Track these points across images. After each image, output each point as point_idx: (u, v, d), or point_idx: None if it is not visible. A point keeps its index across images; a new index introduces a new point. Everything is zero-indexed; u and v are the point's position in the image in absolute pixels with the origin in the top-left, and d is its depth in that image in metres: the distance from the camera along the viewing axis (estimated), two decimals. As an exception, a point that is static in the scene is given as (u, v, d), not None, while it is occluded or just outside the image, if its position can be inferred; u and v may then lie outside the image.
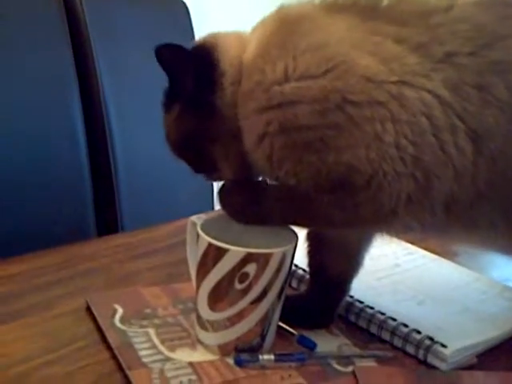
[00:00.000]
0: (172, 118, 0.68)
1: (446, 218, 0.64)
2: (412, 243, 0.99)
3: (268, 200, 0.66)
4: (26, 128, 1.23)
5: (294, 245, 0.66)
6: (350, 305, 0.76)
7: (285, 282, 0.66)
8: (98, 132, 1.36)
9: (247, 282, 0.63)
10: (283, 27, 0.64)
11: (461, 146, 0.60)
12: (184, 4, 1.59)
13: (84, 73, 1.35)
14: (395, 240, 0.97)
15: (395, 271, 0.89)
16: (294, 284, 0.83)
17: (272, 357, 0.65)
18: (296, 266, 0.83)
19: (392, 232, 0.70)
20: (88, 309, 0.74)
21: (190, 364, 0.65)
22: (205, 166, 0.70)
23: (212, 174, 0.71)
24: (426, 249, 0.98)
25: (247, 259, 0.63)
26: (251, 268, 0.63)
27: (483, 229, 0.67)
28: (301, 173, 0.62)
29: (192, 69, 0.66)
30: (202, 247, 0.65)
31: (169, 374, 0.62)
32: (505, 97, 0.60)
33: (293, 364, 0.66)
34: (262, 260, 0.63)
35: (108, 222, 1.39)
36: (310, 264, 0.77)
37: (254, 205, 0.67)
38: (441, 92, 0.59)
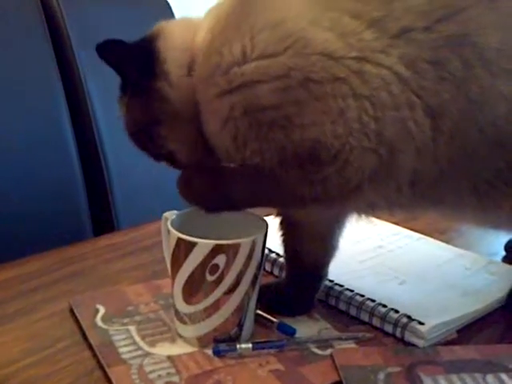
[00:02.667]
0: (124, 109, 0.70)
1: (411, 195, 0.64)
2: (397, 224, 0.99)
3: (234, 182, 0.66)
4: (17, 132, 1.24)
5: (263, 233, 0.67)
6: (330, 289, 0.77)
7: (258, 269, 0.67)
8: (87, 134, 1.38)
9: (218, 273, 0.64)
10: (239, 7, 0.64)
11: (420, 123, 0.60)
12: (167, 4, 1.59)
13: (68, 76, 1.36)
14: (379, 221, 0.98)
15: (378, 253, 0.89)
16: (276, 272, 0.84)
17: (250, 345, 0.66)
18: (270, 250, 0.84)
19: (359, 210, 0.69)
20: (71, 311, 0.75)
21: (169, 358, 0.65)
22: (161, 153, 0.70)
23: (170, 160, 0.71)
24: (411, 229, 0.98)
25: (216, 251, 0.63)
26: (221, 259, 0.64)
27: (451, 205, 0.68)
28: (267, 151, 0.62)
29: (133, 58, 0.67)
30: (173, 242, 0.66)
31: (147, 369, 0.63)
32: (460, 72, 0.60)
33: (272, 351, 0.67)
34: (231, 251, 0.64)
35: (104, 224, 1.40)
36: (286, 251, 0.77)
37: (218, 188, 0.66)
38: (398, 68, 0.59)
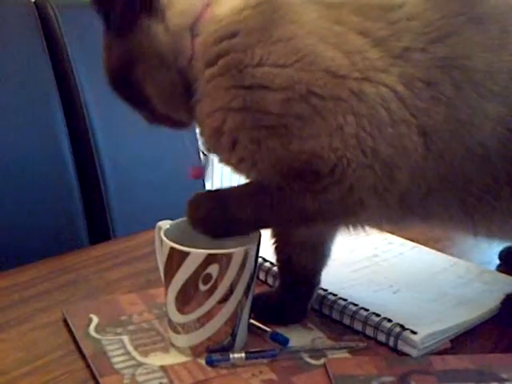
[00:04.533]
0: (104, 50, 0.70)
1: (400, 210, 0.66)
2: (391, 233, 1.00)
3: (239, 204, 0.66)
4: (13, 141, 1.24)
5: (256, 243, 0.67)
6: (324, 298, 0.77)
7: (251, 279, 0.67)
8: (84, 142, 1.38)
9: (211, 283, 0.64)
10: (265, 12, 0.64)
11: (414, 140, 0.62)
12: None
13: (64, 85, 1.37)
14: (373, 230, 0.98)
15: (372, 262, 0.89)
16: (270, 281, 0.84)
17: (243, 355, 0.66)
18: (264, 259, 0.85)
19: (356, 223, 0.70)
20: (65, 320, 0.75)
21: (162, 367, 0.65)
22: (139, 100, 0.70)
23: (147, 109, 0.71)
24: (406, 238, 0.98)
25: (209, 260, 0.64)
26: (214, 269, 0.64)
27: (440, 219, 0.69)
28: (260, 160, 0.63)
29: None
30: (166, 251, 0.66)
31: (140, 379, 0.63)
32: (451, 93, 0.61)
33: (265, 361, 0.67)
34: (224, 260, 0.64)
35: (100, 233, 1.40)
36: (277, 259, 0.78)
37: (225, 212, 0.66)
38: (397, 87, 0.61)
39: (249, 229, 0.68)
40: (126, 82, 0.69)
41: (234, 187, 0.68)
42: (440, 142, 0.62)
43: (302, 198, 0.63)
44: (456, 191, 0.65)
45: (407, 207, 0.66)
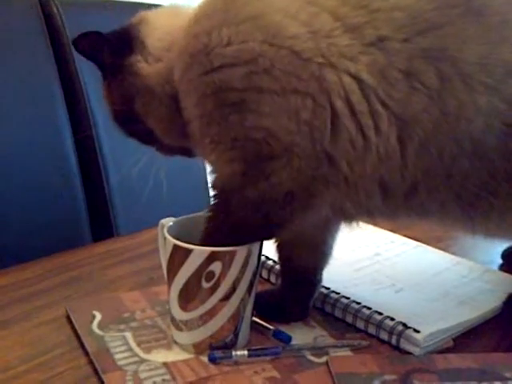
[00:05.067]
0: (105, 93, 0.72)
1: (384, 204, 0.65)
2: (394, 231, 1.00)
3: (213, 233, 0.67)
4: (16, 139, 1.25)
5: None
6: (326, 296, 0.77)
7: (254, 277, 0.67)
8: (87, 140, 1.38)
9: (214, 280, 0.64)
10: None
11: (383, 131, 0.61)
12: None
13: (69, 83, 1.37)
14: (376, 229, 0.99)
15: (375, 260, 0.89)
16: (273, 279, 0.84)
17: (245, 352, 0.66)
18: (267, 257, 0.85)
19: (335, 216, 0.69)
20: (68, 317, 0.75)
21: (165, 364, 0.66)
22: (144, 134, 0.72)
23: (153, 142, 0.73)
24: (408, 236, 0.98)
25: (212, 258, 0.64)
26: (216, 266, 0.64)
27: (438, 216, 0.68)
28: (223, 137, 0.64)
29: (107, 42, 0.70)
30: (169, 249, 0.66)
31: (142, 375, 0.63)
32: (434, 84, 0.60)
33: (267, 358, 0.67)
34: (227, 258, 0.64)
35: (103, 230, 1.41)
36: (280, 258, 0.78)
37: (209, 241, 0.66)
38: (363, 76, 0.60)
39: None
40: (128, 119, 0.72)
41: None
42: (422, 133, 0.61)
43: (250, 189, 0.64)
44: (451, 187, 0.64)
45: (391, 202, 0.65)
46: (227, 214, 0.65)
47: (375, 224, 0.97)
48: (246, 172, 0.63)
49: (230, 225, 0.66)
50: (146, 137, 0.73)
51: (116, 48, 0.70)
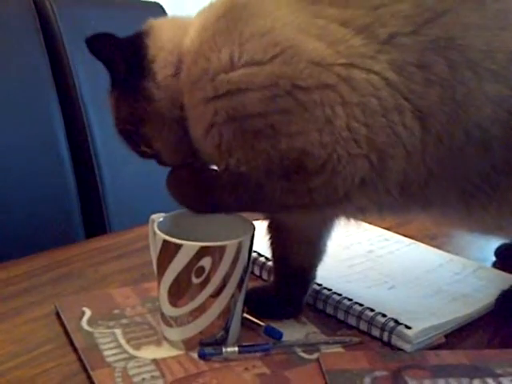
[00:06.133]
0: (112, 103, 0.70)
1: (400, 198, 0.64)
2: (388, 229, 0.99)
3: (220, 189, 0.66)
4: (10, 136, 1.24)
5: (249, 235, 0.66)
6: (318, 292, 0.76)
7: (244, 272, 0.66)
8: (80, 137, 1.38)
9: (204, 276, 0.64)
10: (229, 12, 0.64)
11: (409, 126, 0.61)
12: (160, 6, 1.60)
13: (62, 82, 1.36)
14: (370, 227, 0.98)
15: (368, 258, 0.89)
16: (265, 276, 0.84)
17: (236, 349, 0.66)
18: (259, 254, 0.84)
19: (348, 214, 0.69)
20: (57, 313, 0.75)
21: (154, 361, 0.65)
22: (147, 152, 0.71)
23: (157, 159, 0.72)
24: (402, 234, 0.98)
25: (202, 253, 0.63)
26: (206, 261, 0.63)
27: (439, 208, 0.68)
28: (253, 160, 0.62)
29: (122, 55, 0.67)
30: (159, 244, 0.66)
31: (131, 372, 0.63)
32: (446, 74, 0.60)
33: (258, 355, 0.66)
34: (217, 253, 0.63)
35: (96, 227, 1.40)
36: (273, 255, 0.77)
37: (206, 195, 0.67)
38: (387, 73, 0.60)
39: (229, 212, 0.68)
40: (135, 138, 0.70)
41: (217, 173, 0.66)
42: (438, 124, 0.60)
43: (286, 196, 0.63)
44: (456, 178, 0.64)
45: (407, 194, 0.64)
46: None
47: (370, 221, 0.96)
48: (283, 185, 0.63)
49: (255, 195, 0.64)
50: (152, 156, 0.71)
51: (130, 65, 0.67)
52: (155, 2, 1.60)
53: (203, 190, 0.67)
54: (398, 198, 0.64)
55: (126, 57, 0.67)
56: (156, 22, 0.70)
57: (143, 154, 0.71)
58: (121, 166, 1.41)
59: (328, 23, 0.61)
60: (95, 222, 1.39)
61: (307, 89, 0.59)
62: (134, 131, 0.69)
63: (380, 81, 0.60)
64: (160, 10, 1.59)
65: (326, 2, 0.62)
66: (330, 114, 0.59)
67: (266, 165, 0.62)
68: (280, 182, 0.62)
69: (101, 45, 0.67)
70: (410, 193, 0.65)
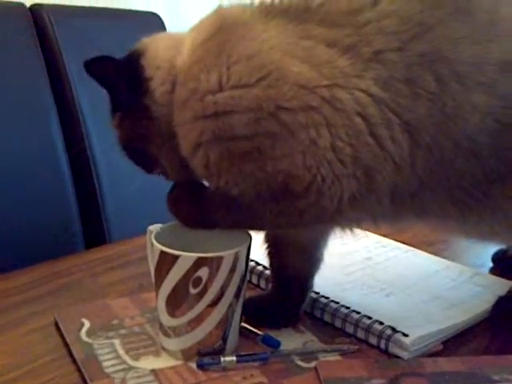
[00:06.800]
0: (115, 123, 0.71)
1: (393, 207, 0.65)
2: (385, 236, 1.00)
3: (214, 208, 0.67)
4: (8, 146, 1.25)
5: (246, 246, 0.67)
6: (315, 301, 0.77)
7: (241, 282, 0.67)
8: (79, 147, 1.38)
9: (201, 286, 0.64)
10: (218, 34, 0.65)
11: (397, 140, 0.61)
12: (158, 16, 1.61)
13: (59, 91, 1.37)
14: (367, 234, 0.98)
15: (366, 265, 0.89)
16: (263, 284, 0.84)
17: (234, 358, 0.66)
18: (257, 262, 0.85)
19: (343, 226, 0.70)
20: (57, 325, 0.75)
21: (153, 371, 0.65)
22: (150, 165, 0.71)
23: (164, 174, 0.72)
24: (400, 241, 0.98)
25: (199, 264, 0.64)
26: (204, 272, 0.64)
27: (434, 215, 0.68)
28: (242, 183, 0.63)
29: (120, 77, 0.68)
30: (156, 255, 0.66)
31: (130, 383, 0.63)
32: (433, 88, 0.61)
33: (256, 364, 0.67)
34: (214, 263, 0.64)
35: (95, 237, 1.40)
36: (271, 264, 0.78)
37: (201, 213, 0.68)
38: (373, 90, 0.60)
39: (223, 228, 0.68)
40: (140, 156, 0.71)
41: (211, 192, 0.67)
42: (427, 136, 0.61)
43: (276, 218, 0.64)
44: (448, 186, 0.64)
45: (399, 203, 0.65)
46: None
47: (366, 229, 0.97)
48: (273, 208, 0.64)
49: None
50: (156, 172, 0.72)
51: (129, 85, 0.68)
52: (152, 12, 1.61)
53: (198, 208, 0.68)
54: (389, 207, 0.65)
55: (124, 78, 0.68)
56: (149, 41, 0.71)
57: (152, 171, 0.72)
58: (120, 176, 1.41)
59: (314, 44, 0.61)
60: (95, 232, 1.39)
61: (291, 110, 0.60)
62: (141, 150, 0.69)
63: (366, 97, 0.60)
64: (157, 20, 1.60)
65: (314, 20, 0.63)
66: (315, 135, 0.60)
67: (255, 188, 0.62)
68: (269, 204, 0.63)
69: (99, 68, 0.67)
70: (402, 202, 0.65)
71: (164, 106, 0.66)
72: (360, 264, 0.90)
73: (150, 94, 0.67)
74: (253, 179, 0.62)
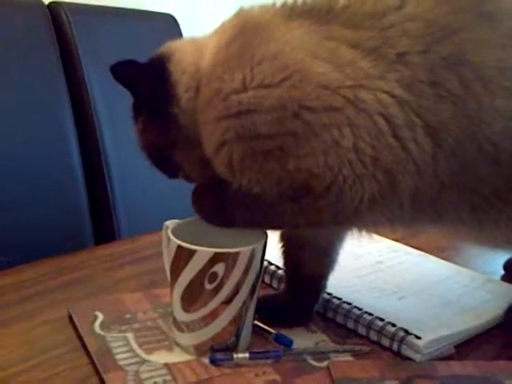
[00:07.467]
0: (139, 128, 0.71)
1: (412, 211, 0.65)
2: (397, 241, 1.00)
3: (236, 207, 0.67)
4: (22, 143, 1.26)
5: (262, 243, 0.67)
6: (328, 301, 0.77)
7: (256, 279, 0.67)
8: (91, 143, 1.39)
9: (217, 282, 0.64)
10: (241, 36, 0.65)
11: (420, 142, 0.61)
12: (173, 17, 1.62)
13: (76, 91, 1.38)
14: (380, 238, 0.99)
15: (378, 268, 0.89)
16: (275, 284, 0.84)
17: (247, 355, 0.66)
18: (269, 262, 0.85)
19: (360, 227, 0.70)
20: (70, 317, 0.75)
21: (166, 365, 0.66)
22: (175, 171, 0.72)
23: (185, 177, 0.73)
24: (412, 246, 0.98)
25: (215, 259, 0.64)
26: (220, 268, 0.64)
27: (449, 221, 0.68)
28: (264, 181, 0.63)
29: (146, 82, 0.68)
30: (173, 250, 0.66)
31: (143, 376, 0.63)
32: (457, 90, 0.61)
33: (268, 361, 0.67)
34: (230, 259, 0.64)
35: (105, 234, 1.41)
36: (285, 263, 0.78)
37: (222, 211, 0.68)
38: (397, 91, 0.60)
39: (243, 227, 0.69)
40: (163, 162, 0.71)
41: (233, 191, 0.67)
42: (450, 139, 0.61)
43: (295, 217, 0.64)
44: (467, 191, 0.64)
45: (418, 208, 0.65)
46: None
47: (379, 233, 0.97)
48: (293, 206, 0.64)
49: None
50: (176, 174, 0.73)
51: (155, 91, 0.68)
52: (168, 14, 1.62)
53: (220, 206, 0.68)
54: (409, 210, 0.65)
55: (150, 83, 0.68)
56: (174, 46, 0.71)
57: (175, 177, 0.72)
58: (131, 175, 1.42)
59: (338, 45, 0.62)
60: (105, 230, 1.40)
61: (314, 110, 0.60)
62: (165, 155, 0.70)
63: (389, 99, 0.60)
64: (172, 21, 1.61)
65: (338, 21, 0.63)
66: (337, 135, 0.60)
67: (277, 186, 0.63)
68: (290, 203, 0.63)
69: (124, 72, 0.68)
70: (422, 206, 0.65)
71: (190, 112, 0.67)
72: (372, 267, 0.90)
73: (176, 101, 0.67)
74: (275, 178, 0.62)
